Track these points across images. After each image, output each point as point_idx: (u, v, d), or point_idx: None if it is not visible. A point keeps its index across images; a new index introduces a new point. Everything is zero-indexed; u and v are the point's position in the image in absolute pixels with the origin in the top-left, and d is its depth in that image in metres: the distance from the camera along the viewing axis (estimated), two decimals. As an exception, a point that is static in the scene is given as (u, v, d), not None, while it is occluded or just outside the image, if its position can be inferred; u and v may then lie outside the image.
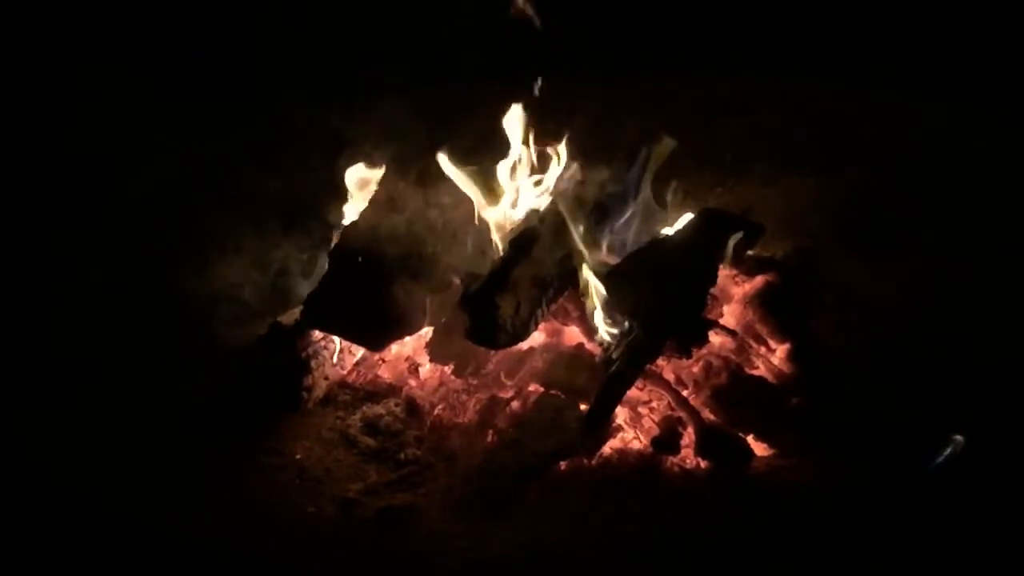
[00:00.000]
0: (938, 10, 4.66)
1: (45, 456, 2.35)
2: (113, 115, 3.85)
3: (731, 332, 2.68)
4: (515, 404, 2.54)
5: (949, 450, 2.25)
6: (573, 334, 2.70)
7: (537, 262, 2.52)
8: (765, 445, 2.43)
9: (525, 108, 2.79)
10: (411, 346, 2.81)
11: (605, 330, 2.54)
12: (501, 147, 2.82)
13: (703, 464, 2.38)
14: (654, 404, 2.55)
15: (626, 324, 2.48)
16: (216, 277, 3.01)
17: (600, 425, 2.40)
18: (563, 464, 2.37)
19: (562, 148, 2.84)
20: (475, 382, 2.63)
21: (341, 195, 3.00)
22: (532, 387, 2.58)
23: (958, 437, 2.25)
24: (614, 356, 2.41)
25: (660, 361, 2.56)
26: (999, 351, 2.66)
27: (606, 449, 2.43)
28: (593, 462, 2.39)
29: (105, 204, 3.68)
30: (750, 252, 2.91)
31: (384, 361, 2.81)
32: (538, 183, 2.87)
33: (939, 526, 2.11)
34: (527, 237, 2.55)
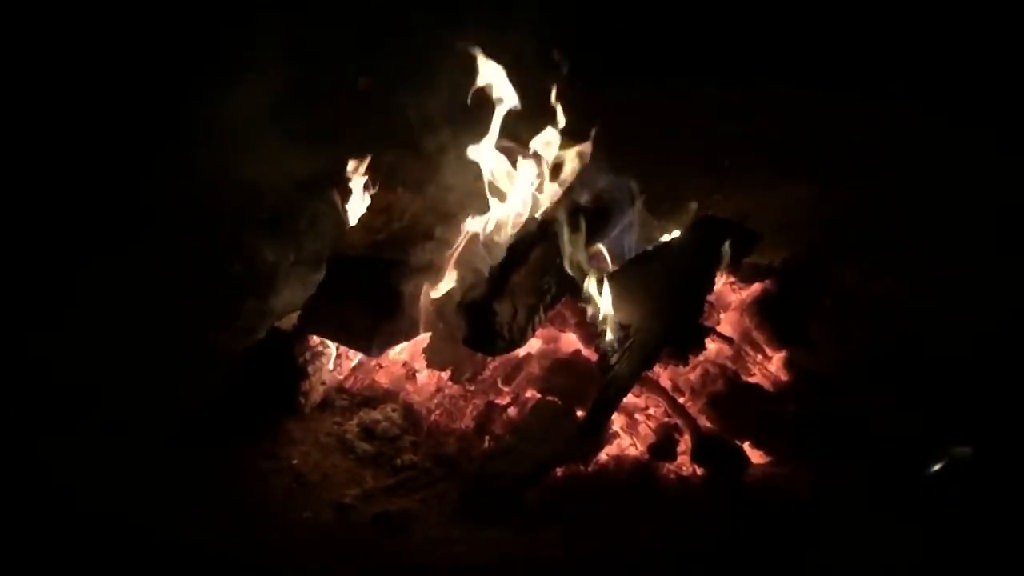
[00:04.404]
0: (936, 22, 4.69)
1: (45, 457, 2.36)
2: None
3: (728, 339, 2.68)
4: (512, 410, 2.55)
5: (947, 458, 2.25)
6: (570, 340, 2.70)
7: (535, 268, 2.52)
8: (761, 452, 2.44)
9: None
10: (408, 352, 2.82)
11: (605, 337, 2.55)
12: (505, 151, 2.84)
13: (699, 471, 2.39)
14: (651, 411, 2.55)
15: (623, 331, 2.48)
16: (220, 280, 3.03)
17: (597, 432, 2.40)
18: (560, 470, 2.37)
19: (561, 154, 2.85)
20: (472, 388, 2.63)
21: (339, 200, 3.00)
22: (529, 393, 2.59)
23: (964, 448, 2.25)
24: (611, 363, 2.42)
25: (657, 368, 2.56)
26: (997, 355, 2.67)
27: (603, 456, 2.43)
28: (590, 468, 2.40)
29: (110, 204, 3.69)
30: (747, 259, 2.91)
31: (381, 366, 2.81)
32: (538, 189, 2.88)
33: (937, 532, 2.11)
34: (525, 243, 2.56)
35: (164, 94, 3.98)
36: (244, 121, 3.13)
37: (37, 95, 4.08)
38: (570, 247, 2.54)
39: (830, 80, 4.49)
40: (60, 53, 4.17)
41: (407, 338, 2.71)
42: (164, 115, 3.92)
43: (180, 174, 3.77)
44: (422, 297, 2.68)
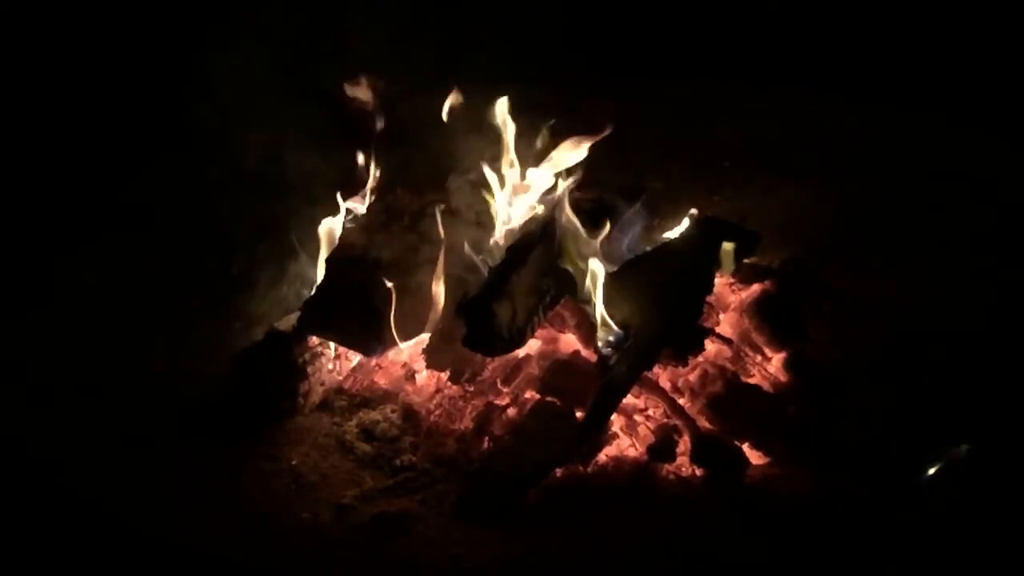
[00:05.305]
0: (937, 25, 4.68)
1: (45, 456, 2.36)
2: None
3: (727, 340, 2.68)
4: (511, 411, 2.55)
5: (946, 458, 2.25)
6: (570, 341, 2.70)
7: (534, 269, 2.52)
8: (760, 454, 2.44)
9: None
10: (408, 352, 2.81)
11: (604, 337, 2.55)
12: (503, 152, 2.83)
13: (698, 472, 2.39)
14: (650, 412, 2.55)
15: (622, 332, 2.48)
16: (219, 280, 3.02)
17: (596, 433, 2.40)
18: (559, 471, 2.37)
19: (561, 155, 2.85)
20: (471, 389, 2.63)
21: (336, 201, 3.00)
22: (528, 394, 2.59)
23: (963, 446, 2.25)
24: (611, 364, 2.42)
25: (656, 369, 2.56)
26: (997, 358, 2.67)
27: (602, 457, 2.43)
28: (589, 470, 2.40)
29: (110, 204, 3.69)
30: (747, 260, 2.91)
31: (380, 367, 2.81)
32: (537, 190, 2.88)
33: (936, 535, 2.11)
34: (525, 243, 2.56)
35: (162, 92, 3.98)
36: (243, 120, 3.13)
37: (34, 93, 4.08)
38: (570, 247, 2.54)
39: (830, 80, 4.49)
40: (57, 51, 4.17)
41: (407, 339, 2.71)
42: (162, 114, 3.91)
43: (179, 173, 3.77)
44: (422, 297, 2.68)
